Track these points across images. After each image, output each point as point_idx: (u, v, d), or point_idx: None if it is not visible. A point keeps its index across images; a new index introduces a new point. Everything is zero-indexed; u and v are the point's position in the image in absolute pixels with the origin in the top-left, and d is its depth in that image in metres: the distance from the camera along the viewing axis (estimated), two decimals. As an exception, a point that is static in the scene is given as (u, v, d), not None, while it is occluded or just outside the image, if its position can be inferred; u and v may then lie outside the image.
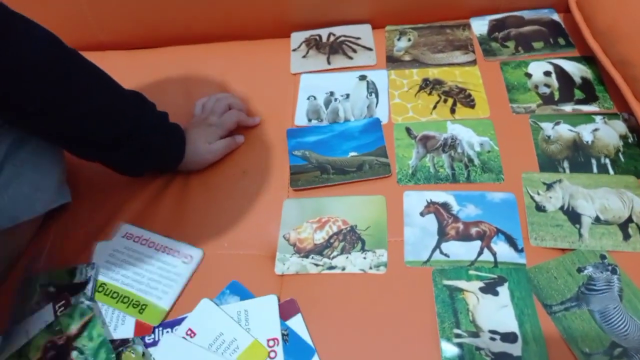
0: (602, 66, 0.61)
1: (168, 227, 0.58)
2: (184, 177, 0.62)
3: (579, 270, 0.49)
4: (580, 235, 0.52)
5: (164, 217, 0.59)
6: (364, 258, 0.53)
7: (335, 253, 0.54)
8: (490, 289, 0.49)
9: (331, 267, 0.53)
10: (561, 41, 0.68)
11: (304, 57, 0.72)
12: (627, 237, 0.51)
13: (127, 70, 0.74)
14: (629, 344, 0.44)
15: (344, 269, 0.53)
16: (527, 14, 0.72)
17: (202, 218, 0.59)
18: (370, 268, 0.52)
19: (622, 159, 0.57)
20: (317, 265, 0.53)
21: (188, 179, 0.62)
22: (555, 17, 0.71)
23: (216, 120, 0.63)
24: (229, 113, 0.64)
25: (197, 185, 0.62)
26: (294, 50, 0.73)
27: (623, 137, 0.58)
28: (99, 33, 0.75)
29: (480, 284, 0.49)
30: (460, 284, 0.49)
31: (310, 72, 0.70)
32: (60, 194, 0.58)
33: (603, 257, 0.50)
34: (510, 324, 0.46)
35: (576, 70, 0.65)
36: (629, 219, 0.52)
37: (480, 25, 0.72)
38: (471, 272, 0.50)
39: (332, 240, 0.55)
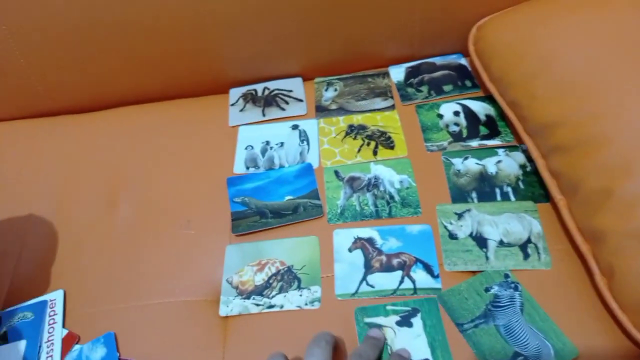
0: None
1: (115, 278, 0.62)
2: (130, 229, 0.67)
3: (487, 289, 0.56)
4: (487, 258, 0.58)
5: (111, 269, 0.63)
6: (300, 295, 0.58)
7: (274, 293, 0.59)
8: (405, 322, 0.54)
9: (271, 306, 0.58)
10: (468, 83, 0.77)
11: (241, 110, 0.78)
12: (526, 256, 0.58)
13: (76, 134, 0.79)
14: (528, 352, 0.51)
15: (282, 307, 0.58)
16: (438, 60, 0.81)
17: (150, 268, 0.63)
18: (306, 304, 0.57)
19: (522, 186, 0.64)
20: (257, 305, 0.58)
21: (134, 230, 0.66)
22: (463, 61, 0.81)
23: None
24: None
25: (144, 237, 0.66)
26: (232, 105, 0.80)
27: (522, 167, 0.66)
28: (48, 101, 0.80)
29: (397, 317, 0.55)
30: (379, 320, 0.55)
31: (247, 124, 0.77)
32: None
33: (507, 276, 0.57)
34: (423, 352, 0.52)
35: (481, 108, 0.74)
36: (528, 240, 0.59)
37: (397, 73, 0.80)
38: (388, 307, 0.56)
39: (271, 281, 0.60)
